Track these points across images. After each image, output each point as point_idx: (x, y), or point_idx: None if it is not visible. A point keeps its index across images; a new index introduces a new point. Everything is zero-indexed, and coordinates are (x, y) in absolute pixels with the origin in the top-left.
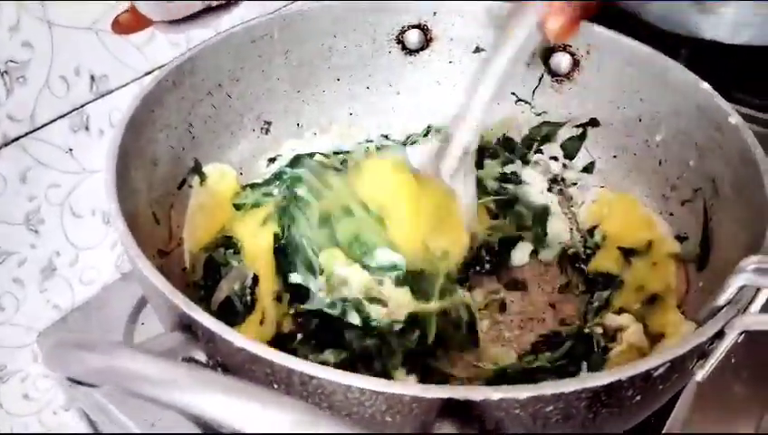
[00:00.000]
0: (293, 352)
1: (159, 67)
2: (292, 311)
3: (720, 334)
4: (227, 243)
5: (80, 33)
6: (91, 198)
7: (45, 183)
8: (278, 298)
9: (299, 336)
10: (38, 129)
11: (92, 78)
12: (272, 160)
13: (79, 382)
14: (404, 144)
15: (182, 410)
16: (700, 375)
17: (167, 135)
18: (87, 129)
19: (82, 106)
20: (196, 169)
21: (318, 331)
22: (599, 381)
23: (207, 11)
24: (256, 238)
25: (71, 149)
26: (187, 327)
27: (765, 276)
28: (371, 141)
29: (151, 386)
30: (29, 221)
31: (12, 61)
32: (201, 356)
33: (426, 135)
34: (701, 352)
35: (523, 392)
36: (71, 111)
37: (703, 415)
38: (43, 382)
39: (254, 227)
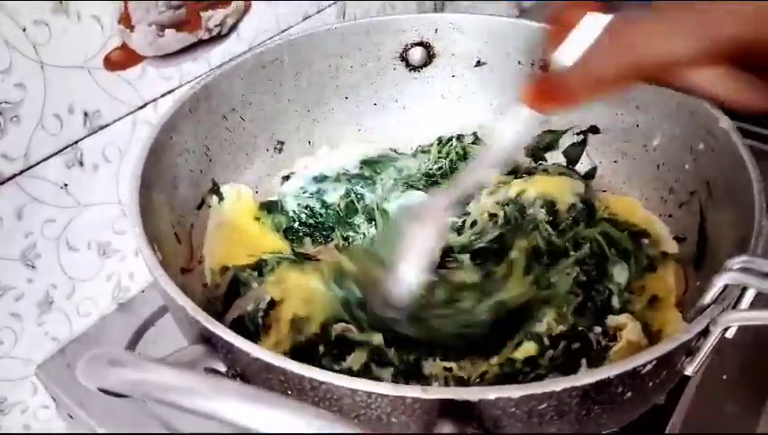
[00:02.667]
0: (319, 365)
1: (153, 101)
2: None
3: (706, 332)
4: (255, 265)
5: (72, 71)
6: (86, 232)
7: (41, 219)
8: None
9: (321, 349)
10: (33, 166)
11: (86, 114)
12: (286, 178)
13: (110, 393)
14: (413, 156)
15: (205, 416)
16: (690, 370)
17: (185, 159)
18: (81, 164)
19: (76, 142)
20: (215, 190)
21: (337, 340)
22: (587, 379)
23: (198, 45)
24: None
25: (65, 185)
26: (207, 340)
27: (750, 275)
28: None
29: (177, 395)
30: (25, 257)
31: (5, 102)
32: (221, 367)
33: (439, 144)
34: (688, 349)
35: (516, 392)
36: (65, 148)
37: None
38: (43, 413)
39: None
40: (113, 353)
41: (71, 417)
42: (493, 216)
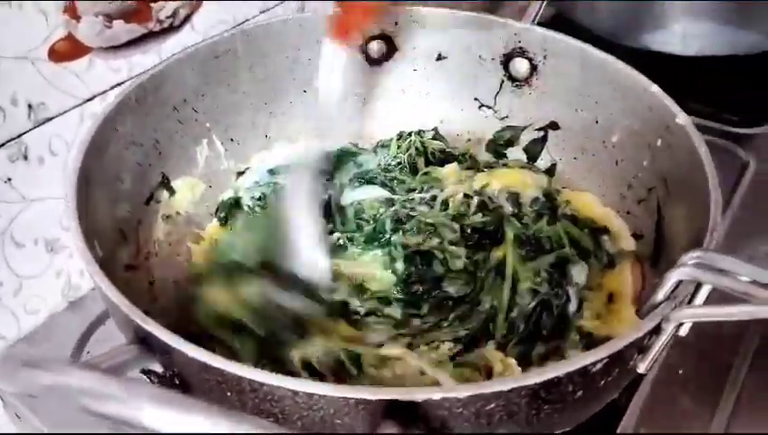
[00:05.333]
0: None
1: (101, 93)
2: None
3: (658, 329)
4: None
5: (15, 62)
6: (32, 227)
7: None
8: None
9: None
10: None
11: (30, 107)
12: (240, 173)
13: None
14: (374, 151)
15: (121, 421)
16: (642, 368)
17: (132, 152)
18: (26, 158)
19: (20, 136)
20: (165, 184)
21: None
22: (535, 378)
23: (149, 36)
24: None
25: (9, 179)
26: (143, 340)
27: (703, 270)
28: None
29: (91, 400)
30: None
31: None
32: (158, 367)
33: (399, 139)
34: (640, 347)
35: (463, 392)
36: (8, 141)
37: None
38: None
39: None
40: (27, 354)
41: (18, 417)
42: (467, 196)
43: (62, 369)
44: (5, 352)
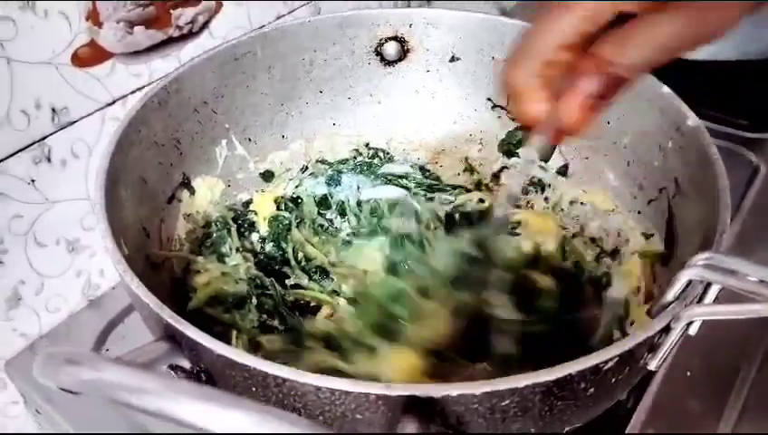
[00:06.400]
0: None
1: (122, 97)
2: None
3: (667, 328)
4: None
5: (39, 67)
6: (54, 228)
7: (8, 214)
8: None
9: None
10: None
11: (53, 110)
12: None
13: (69, 391)
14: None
15: (158, 415)
16: (653, 365)
17: (155, 153)
18: (49, 160)
19: (44, 138)
20: (185, 184)
21: None
22: (549, 375)
23: (169, 42)
24: None
25: (33, 181)
26: (172, 337)
27: (713, 271)
28: (357, 150)
29: (130, 395)
30: None
31: None
32: (185, 363)
33: None
34: (650, 345)
35: (478, 388)
36: (32, 144)
37: (657, 430)
38: (13, 409)
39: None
40: (69, 352)
41: (38, 412)
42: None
43: (102, 365)
44: (48, 351)
